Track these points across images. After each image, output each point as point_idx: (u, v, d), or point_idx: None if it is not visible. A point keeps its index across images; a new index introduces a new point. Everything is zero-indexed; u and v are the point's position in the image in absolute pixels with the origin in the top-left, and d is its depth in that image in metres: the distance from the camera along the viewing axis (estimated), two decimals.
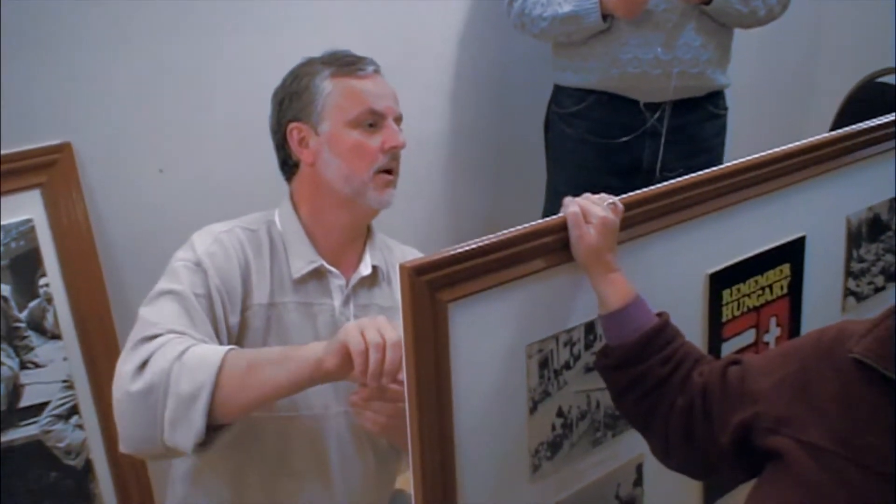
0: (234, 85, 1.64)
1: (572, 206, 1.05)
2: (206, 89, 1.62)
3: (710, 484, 1.35)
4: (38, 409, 1.46)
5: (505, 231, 1.01)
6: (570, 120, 1.90)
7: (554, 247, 1.05)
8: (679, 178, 1.20)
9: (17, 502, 1.45)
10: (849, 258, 1.49)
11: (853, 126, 1.42)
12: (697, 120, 1.87)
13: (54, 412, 1.48)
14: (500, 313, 1.02)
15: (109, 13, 1.48)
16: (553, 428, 1.11)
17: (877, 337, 0.83)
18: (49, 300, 1.46)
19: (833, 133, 1.41)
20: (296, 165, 1.26)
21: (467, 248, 0.97)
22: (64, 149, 1.47)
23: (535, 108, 2.02)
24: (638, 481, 1.25)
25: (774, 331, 1.38)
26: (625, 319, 1.02)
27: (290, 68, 1.26)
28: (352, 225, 1.26)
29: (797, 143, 1.33)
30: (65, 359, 1.48)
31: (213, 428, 1.07)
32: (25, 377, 1.44)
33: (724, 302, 1.29)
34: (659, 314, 1.04)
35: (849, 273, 1.50)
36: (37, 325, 1.45)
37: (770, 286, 1.35)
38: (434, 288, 0.94)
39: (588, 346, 1.13)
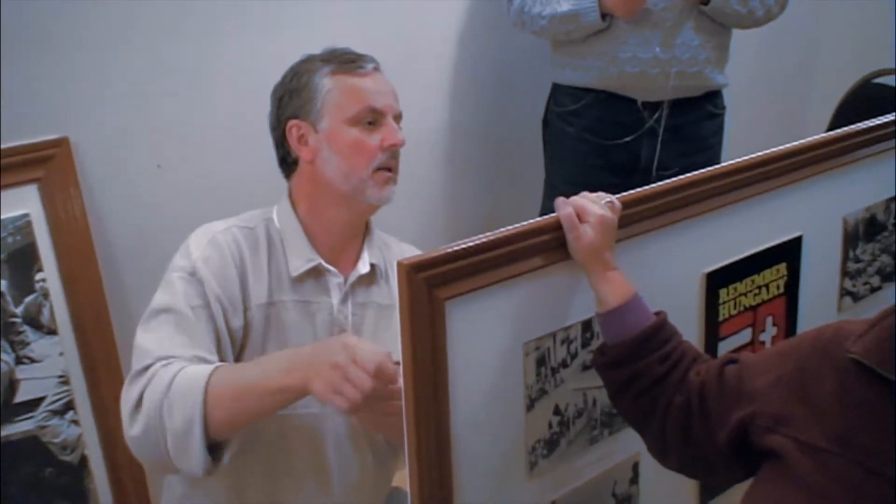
0: (233, 84, 1.64)
1: (566, 207, 1.05)
2: (205, 88, 1.62)
3: (706, 483, 1.35)
4: (33, 404, 1.45)
5: (503, 229, 1.01)
6: (568, 118, 1.90)
7: (552, 245, 1.05)
8: (677, 177, 1.20)
9: (12, 497, 1.44)
10: (845, 258, 1.49)
11: (850, 126, 1.43)
12: (695, 119, 1.87)
13: (50, 407, 1.47)
14: (498, 311, 1.02)
15: (109, 12, 1.48)
16: (550, 426, 1.11)
17: (875, 337, 0.83)
18: (45, 295, 1.46)
19: (830, 133, 1.41)
20: (295, 162, 1.25)
21: (465, 245, 0.97)
22: (61, 144, 1.47)
23: (534, 107, 2.02)
24: (634, 479, 1.25)
25: (771, 330, 1.38)
26: (622, 318, 1.02)
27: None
28: (350, 222, 1.25)
29: (794, 143, 1.34)
30: (61, 354, 1.48)
31: (219, 443, 1.09)
32: (21, 372, 1.44)
33: (720, 301, 1.30)
34: (656, 313, 1.04)
35: (845, 273, 1.50)
36: (33, 321, 1.45)
37: (767, 285, 1.36)
38: (432, 285, 0.94)
39: (585, 344, 1.13)
